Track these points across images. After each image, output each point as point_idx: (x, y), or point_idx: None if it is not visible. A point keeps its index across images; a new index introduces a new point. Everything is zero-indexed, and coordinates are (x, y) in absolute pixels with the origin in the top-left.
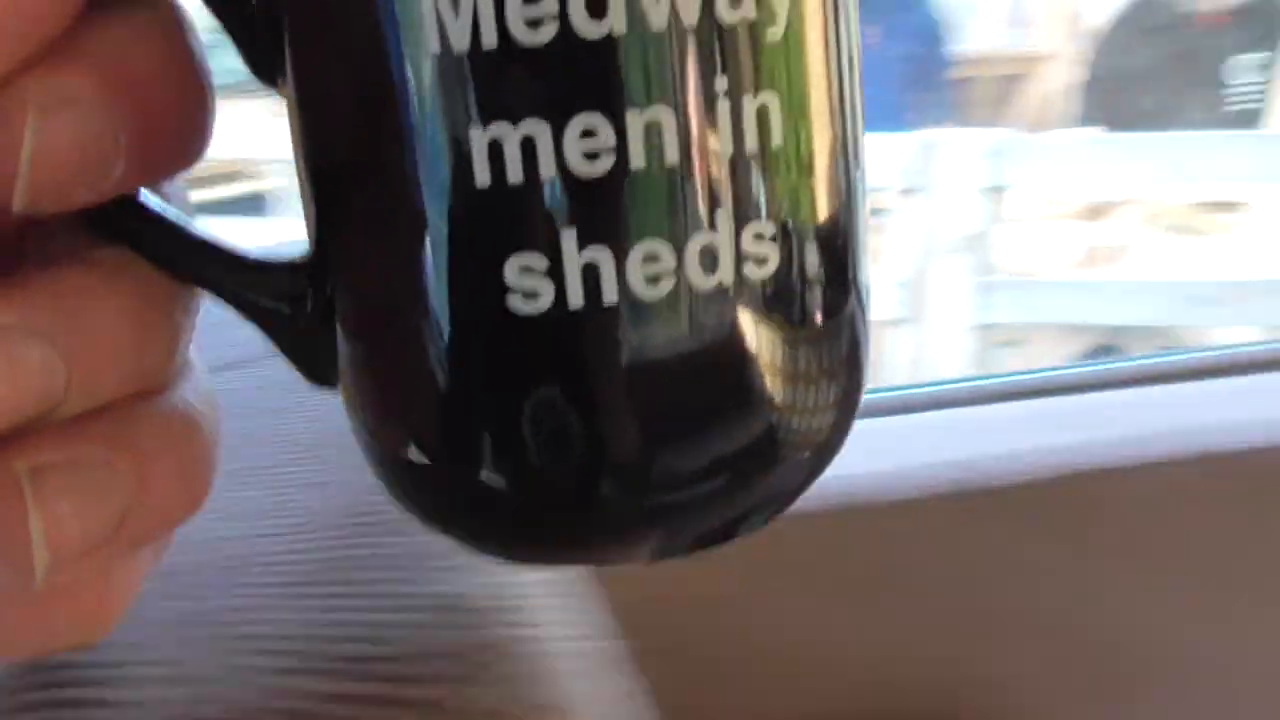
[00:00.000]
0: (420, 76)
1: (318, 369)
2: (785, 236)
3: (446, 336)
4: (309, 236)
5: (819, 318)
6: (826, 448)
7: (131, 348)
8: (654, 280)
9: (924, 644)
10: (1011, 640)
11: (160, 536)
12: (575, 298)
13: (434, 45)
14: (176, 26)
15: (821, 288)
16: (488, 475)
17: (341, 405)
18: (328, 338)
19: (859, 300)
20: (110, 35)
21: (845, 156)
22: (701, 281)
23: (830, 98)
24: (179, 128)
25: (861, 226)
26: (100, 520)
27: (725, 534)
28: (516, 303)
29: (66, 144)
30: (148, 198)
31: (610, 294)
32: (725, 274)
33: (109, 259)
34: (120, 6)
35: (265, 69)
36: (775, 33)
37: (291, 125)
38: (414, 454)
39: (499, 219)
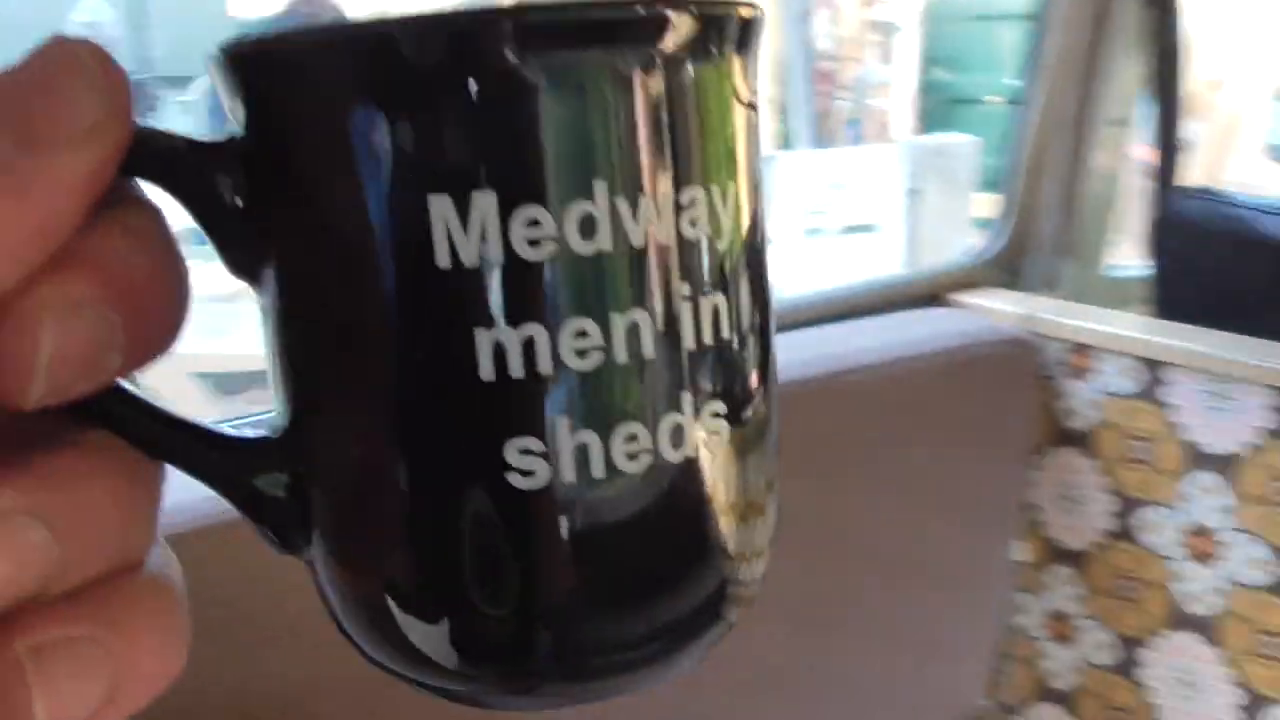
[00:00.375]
0: (426, 285)
1: (287, 539)
2: (732, 410)
3: (443, 510)
4: (282, 416)
5: (760, 476)
6: (757, 585)
7: (117, 526)
8: (633, 456)
9: None
10: None
11: (145, 703)
12: (568, 474)
13: (444, 260)
14: (163, 229)
15: (759, 450)
16: (490, 628)
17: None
18: (298, 510)
19: (777, 456)
20: (110, 243)
21: (768, 334)
22: (671, 455)
23: (757, 289)
24: (165, 321)
25: (775, 390)
26: (95, 694)
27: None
28: (515, 479)
29: (77, 347)
30: (124, 382)
31: (598, 470)
32: (689, 447)
33: (93, 441)
34: (113, 212)
35: (244, 268)
36: (722, 244)
37: (269, 317)
38: (395, 611)
39: (500, 408)
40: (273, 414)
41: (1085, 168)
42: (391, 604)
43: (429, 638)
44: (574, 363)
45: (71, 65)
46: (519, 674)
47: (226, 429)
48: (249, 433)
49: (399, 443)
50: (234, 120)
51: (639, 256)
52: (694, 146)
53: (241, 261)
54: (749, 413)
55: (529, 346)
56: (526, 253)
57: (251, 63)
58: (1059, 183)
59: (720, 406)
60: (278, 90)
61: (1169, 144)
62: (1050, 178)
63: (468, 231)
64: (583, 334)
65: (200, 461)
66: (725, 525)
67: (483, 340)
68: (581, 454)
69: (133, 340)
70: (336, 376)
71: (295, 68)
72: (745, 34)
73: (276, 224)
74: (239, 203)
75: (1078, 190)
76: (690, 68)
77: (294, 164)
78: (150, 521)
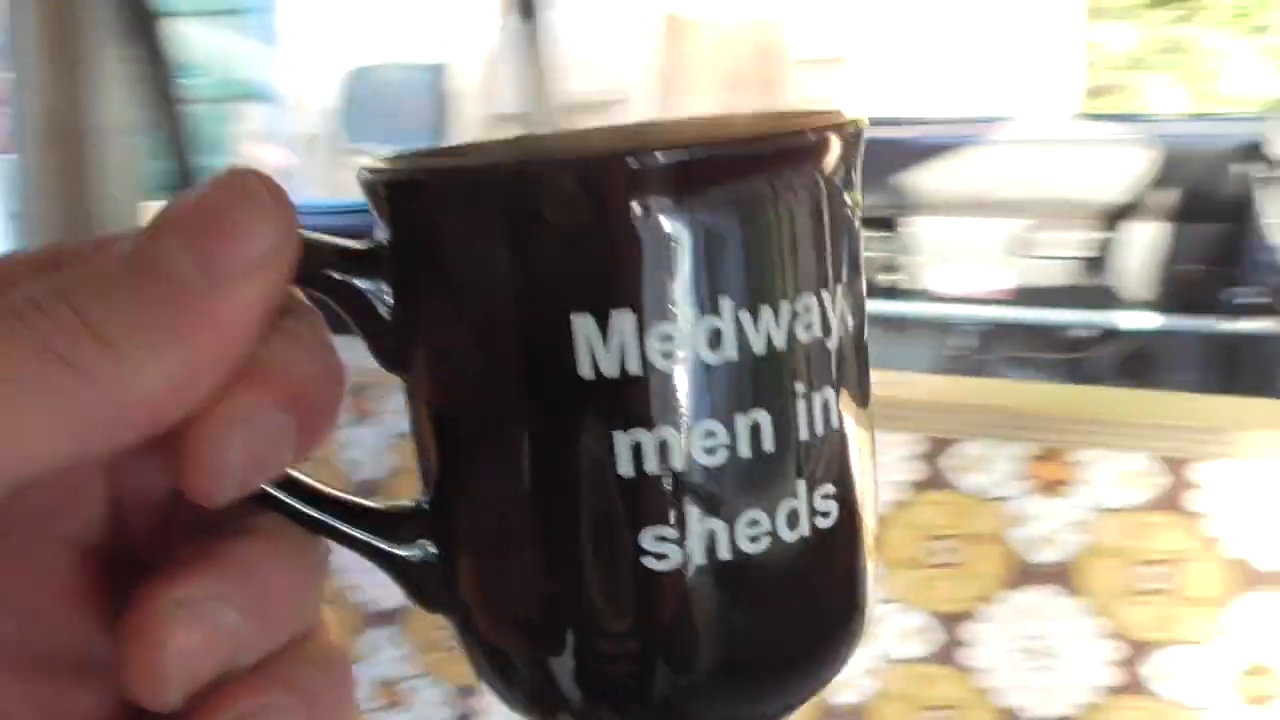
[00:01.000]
0: (568, 393)
1: (433, 600)
2: (840, 490)
3: (581, 587)
4: (428, 491)
5: (863, 552)
6: (858, 643)
7: (294, 600)
8: (755, 539)
9: None
10: None
11: None
12: (697, 557)
13: (587, 372)
14: (324, 332)
15: (860, 528)
16: (617, 686)
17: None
18: (442, 576)
19: (877, 522)
20: (282, 352)
21: (870, 417)
22: (788, 535)
23: (861, 377)
24: (328, 414)
25: (876, 463)
26: None
27: None
28: (649, 562)
29: (259, 451)
30: (292, 471)
31: (724, 552)
32: (804, 527)
33: (266, 526)
34: (283, 321)
35: (392, 361)
36: (831, 343)
37: (416, 405)
38: (529, 669)
39: (637, 500)
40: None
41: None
42: (526, 664)
43: (560, 693)
44: (703, 459)
45: (247, 196)
46: None
47: (378, 504)
48: (399, 506)
49: (541, 526)
50: (380, 227)
51: (760, 362)
52: (812, 257)
53: (389, 355)
54: (855, 491)
55: (663, 447)
56: (661, 364)
57: (402, 188)
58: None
59: (830, 488)
60: (431, 214)
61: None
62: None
63: (608, 346)
64: (711, 434)
65: (356, 536)
66: (835, 593)
67: (621, 442)
68: (709, 539)
69: (301, 435)
70: (481, 464)
71: (449, 197)
72: (857, 144)
73: (424, 326)
74: (388, 303)
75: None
76: (822, 185)
77: (444, 277)
78: (319, 591)
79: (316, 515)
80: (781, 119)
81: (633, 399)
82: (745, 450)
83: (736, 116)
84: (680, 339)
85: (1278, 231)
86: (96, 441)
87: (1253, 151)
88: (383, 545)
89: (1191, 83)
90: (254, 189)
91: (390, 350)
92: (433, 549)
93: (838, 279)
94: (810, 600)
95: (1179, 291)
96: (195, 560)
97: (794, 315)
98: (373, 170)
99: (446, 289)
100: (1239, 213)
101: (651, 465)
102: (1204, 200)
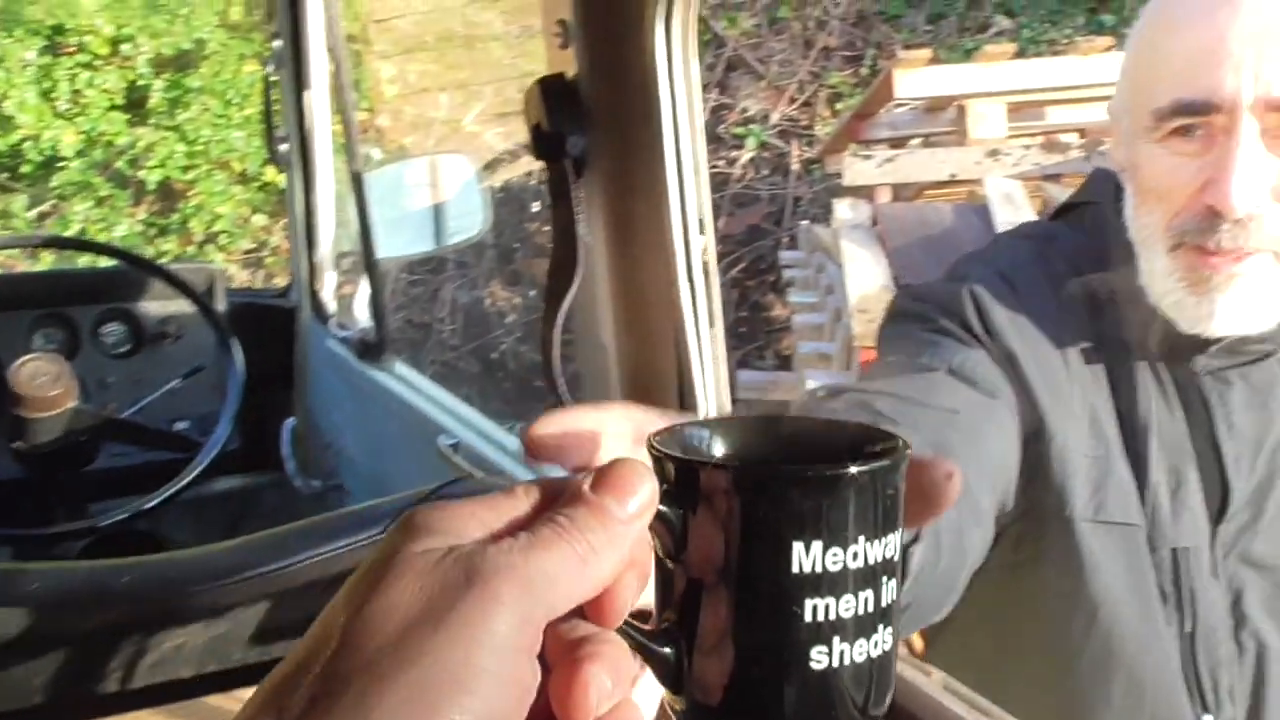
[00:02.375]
0: (782, 582)
1: (673, 686)
2: (895, 625)
3: (772, 682)
4: (669, 618)
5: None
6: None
7: None
8: (861, 654)
9: None
10: None
11: None
12: (835, 663)
13: (796, 569)
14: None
15: (896, 646)
16: None
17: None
18: (679, 668)
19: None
20: (633, 584)
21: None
22: (874, 652)
23: (899, 565)
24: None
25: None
26: None
27: None
28: (814, 665)
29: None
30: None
31: (847, 661)
32: (883, 647)
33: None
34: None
35: (669, 554)
36: (895, 554)
37: (673, 575)
38: None
39: (809, 634)
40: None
41: None
42: None
43: None
44: (845, 614)
45: (641, 463)
46: None
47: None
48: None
49: (745, 649)
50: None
51: (871, 568)
52: (893, 516)
53: (669, 551)
54: (899, 621)
55: (828, 606)
56: (831, 567)
57: (674, 463)
58: None
59: (893, 625)
60: (696, 483)
61: None
62: None
63: (809, 557)
64: (849, 601)
65: (642, 642)
66: (892, 673)
67: (808, 603)
68: (841, 655)
69: (639, 587)
70: (714, 617)
71: (716, 479)
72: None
73: (691, 541)
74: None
75: None
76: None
77: (702, 518)
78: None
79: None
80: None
81: (815, 582)
82: (862, 610)
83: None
84: (840, 555)
85: None
86: (593, 592)
87: None
88: (654, 653)
89: None
90: (636, 463)
91: (668, 549)
92: (673, 652)
93: (900, 522)
94: (883, 679)
95: None
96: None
97: (885, 544)
98: (653, 447)
99: (703, 524)
100: None
101: (820, 616)
102: None
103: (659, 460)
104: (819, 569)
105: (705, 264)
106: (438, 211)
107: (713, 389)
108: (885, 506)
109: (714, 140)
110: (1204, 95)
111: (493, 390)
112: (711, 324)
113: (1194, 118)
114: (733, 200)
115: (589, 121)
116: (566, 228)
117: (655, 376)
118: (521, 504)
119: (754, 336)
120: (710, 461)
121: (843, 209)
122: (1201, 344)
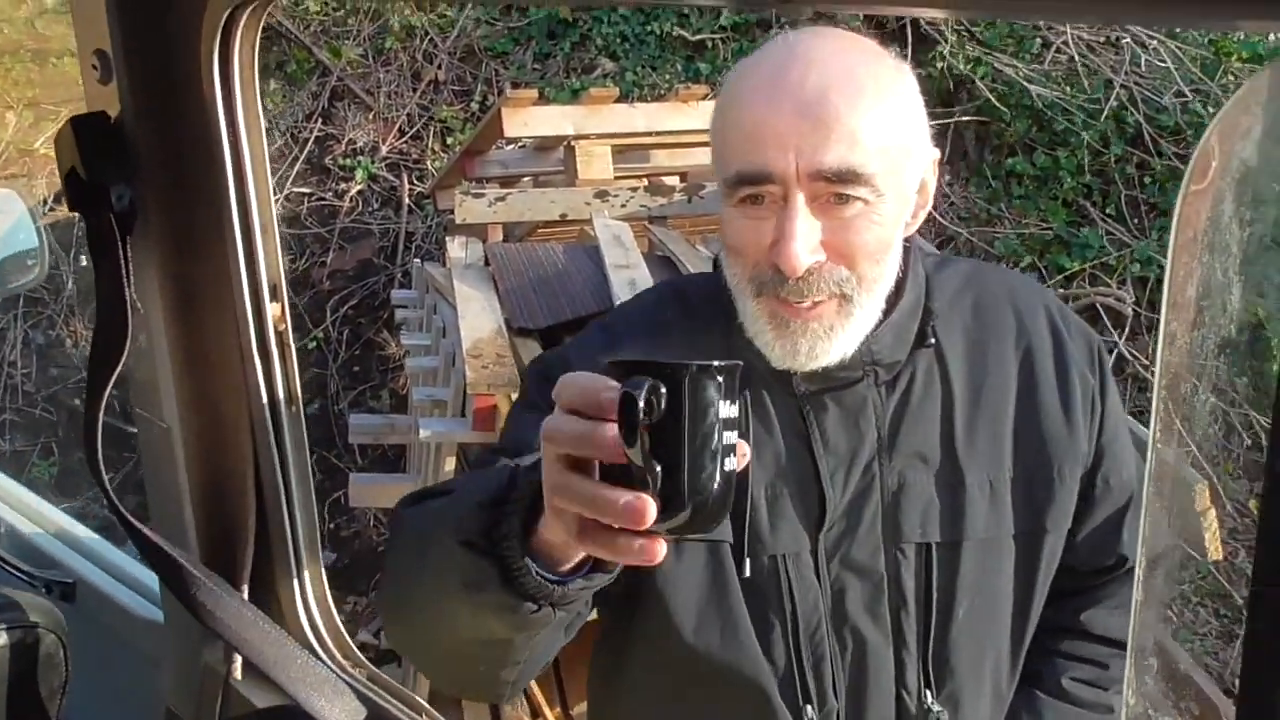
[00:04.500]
0: None
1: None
2: None
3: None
4: None
5: None
6: None
7: None
8: None
9: None
10: None
11: None
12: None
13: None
14: None
15: None
16: None
17: None
18: None
19: None
20: None
21: None
22: None
23: None
24: None
25: None
26: None
27: None
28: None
29: None
30: None
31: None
32: None
33: None
34: None
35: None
36: None
37: None
38: None
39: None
40: None
41: None
42: None
43: None
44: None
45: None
46: None
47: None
48: None
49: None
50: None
51: (736, 418)
52: (731, 390)
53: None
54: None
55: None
56: (727, 414)
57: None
58: None
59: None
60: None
61: None
62: None
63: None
64: (732, 436)
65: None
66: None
67: (726, 434)
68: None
69: None
70: (678, 451)
71: (678, 372)
72: None
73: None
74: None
75: None
76: None
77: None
78: None
79: None
80: None
81: (729, 423)
82: (731, 441)
83: None
84: (730, 405)
85: None
86: None
87: None
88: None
89: None
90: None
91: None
92: None
93: (734, 399)
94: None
95: None
96: None
97: (733, 406)
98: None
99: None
100: None
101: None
102: None
103: (635, 365)
104: (728, 414)
105: (280, 334)
106: None
107: (295, 477)
108: (732, 385)
109: (321, 171)
110: (758, 168)
111: (80, 440)
112: (290, 404)
113: (756, 187)
114: (343, 234)
115: (137, 168)
116: (113, 291)
117: (226, 463)
118: None
119: (368, 376)
120: (674, 362)
121: (455, 248)
122: (794, 373)
